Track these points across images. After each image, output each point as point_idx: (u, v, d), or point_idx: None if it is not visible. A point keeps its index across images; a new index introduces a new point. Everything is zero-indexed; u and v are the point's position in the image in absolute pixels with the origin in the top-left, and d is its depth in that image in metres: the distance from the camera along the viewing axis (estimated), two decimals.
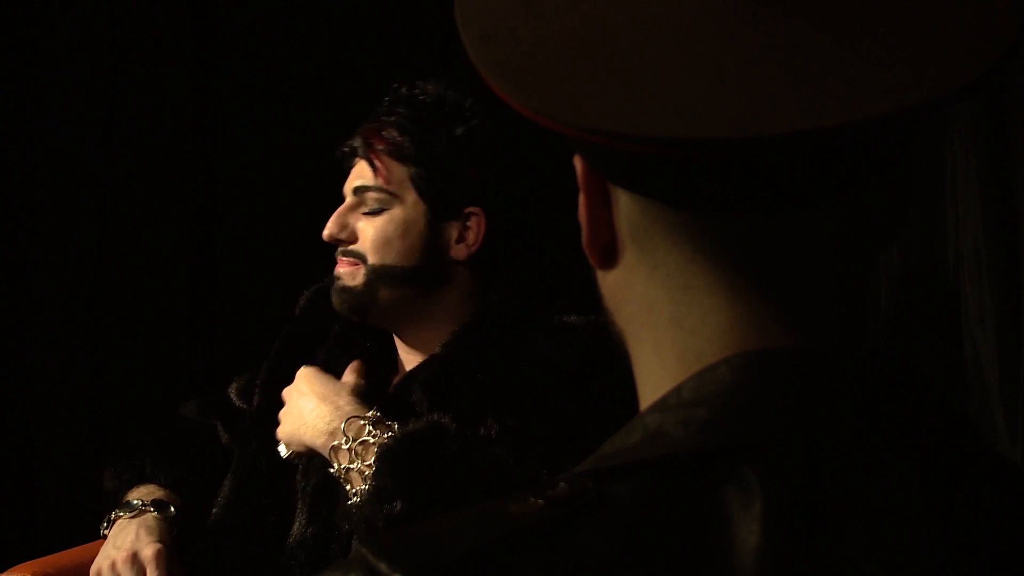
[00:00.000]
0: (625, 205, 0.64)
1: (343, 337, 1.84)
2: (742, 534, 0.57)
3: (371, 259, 1.75)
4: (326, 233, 1.77)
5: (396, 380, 1.82)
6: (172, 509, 1.77)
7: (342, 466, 1.63)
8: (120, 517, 1.76)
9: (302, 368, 1.76)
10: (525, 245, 1.84)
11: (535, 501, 0.58)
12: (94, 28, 2.58)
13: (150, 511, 1.76)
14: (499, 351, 1.72)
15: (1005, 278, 1.78)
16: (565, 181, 0.73)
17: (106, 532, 1.77)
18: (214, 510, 1.82)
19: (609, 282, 0.67)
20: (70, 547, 1.92)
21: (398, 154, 1.74)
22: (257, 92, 2.57)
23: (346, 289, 1.77)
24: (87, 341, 2.58)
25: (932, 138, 1.85)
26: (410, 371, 1.80)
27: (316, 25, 2.56)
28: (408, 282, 1.76)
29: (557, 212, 1.70)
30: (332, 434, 1.64)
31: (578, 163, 0.66)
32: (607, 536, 0.57)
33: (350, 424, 1.64)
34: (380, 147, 1.75)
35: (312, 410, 1.68)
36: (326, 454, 1.65)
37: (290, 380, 1.79)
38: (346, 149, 1.80)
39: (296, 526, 1.74)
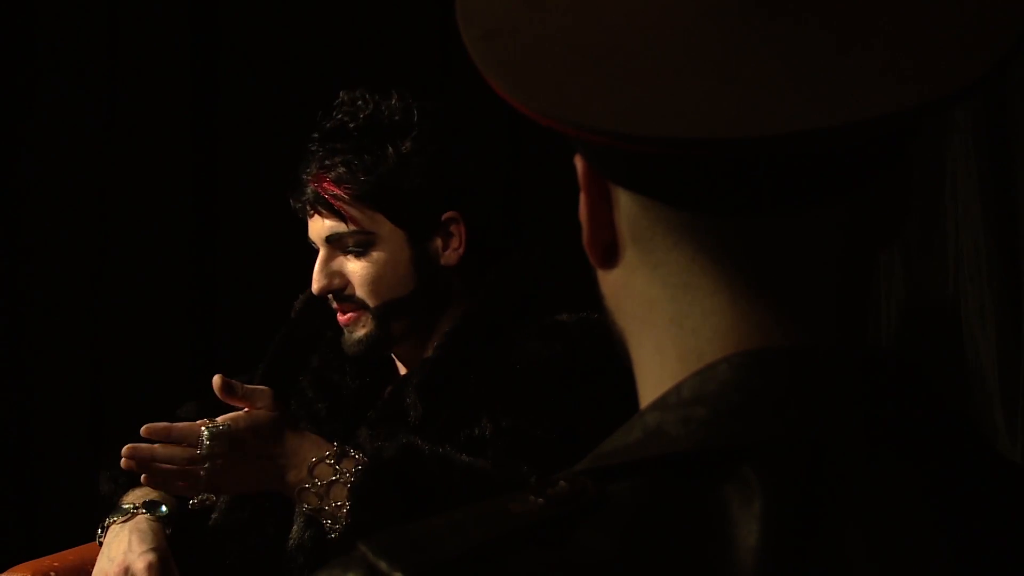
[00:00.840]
0: (626, 205, 0.64)
1: (337, 342, 1.83)
2: (742, 533, 0.57)
3: (371, 303, 1.74)
4: (316, 288, 1.75)
5: (391, 385, 1.82)
6: (164, 508, 1.76)
7: (312, 506, 1.65)
8: (113, 523, 1.76)
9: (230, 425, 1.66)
10: (507, 232, 1.82)
11: (535, 500, 0.58)
12: (94, 28, 2.57)
13: (141, 512, 1.75)
14: (490, 351, 1.72)
15: (1005, 278, 1.78)
16: (565, 180, 0.73)
17: (101, 539, 1.77)
18: (214, 514, 1.82)
19: (610, 282, 0.67)
20: (70, 547, 1.92)
21: (359, 194, 1.71)
22: (256, 92, 2.57)
23: (360, 340, 1.76)
24: (87, 341, 2.58)
25: (932, 138, 1.85)
26: (404, 375, 1.80)
27: (316, 25, 2.55)
28: (414, 307, 1.75)
29: (552, 209, 1.70)
30: (299, 480, 1.65)
31: (579, 163, 0.66)
32: (607, 535, 0.57)
33: (316, 467, 1.65)
34: (338, 193, 1.71)
35: (271, 460, 1.67)
36: (292, 496, 1.67)
37: (285, 384, 1.80)
38: (299, 205, 1.77)
39: (295, 529, 1.74)
